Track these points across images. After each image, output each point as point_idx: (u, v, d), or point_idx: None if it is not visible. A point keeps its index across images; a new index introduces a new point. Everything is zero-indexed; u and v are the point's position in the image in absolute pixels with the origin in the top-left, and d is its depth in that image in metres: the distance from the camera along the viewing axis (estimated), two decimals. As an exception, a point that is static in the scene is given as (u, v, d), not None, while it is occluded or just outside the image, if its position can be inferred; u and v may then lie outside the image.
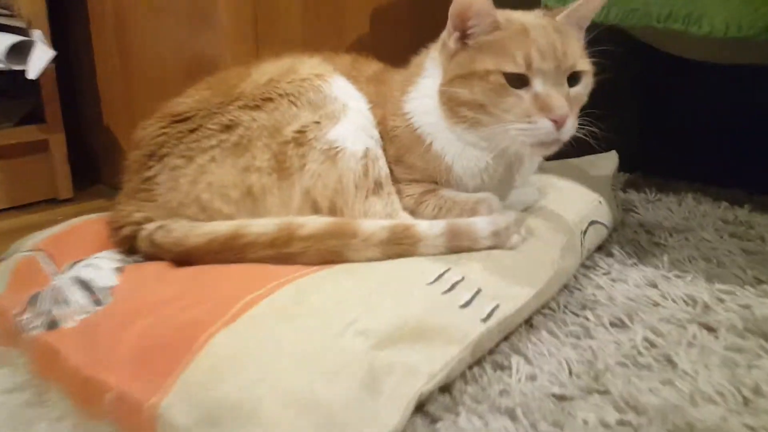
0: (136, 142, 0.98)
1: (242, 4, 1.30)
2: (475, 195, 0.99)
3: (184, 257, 0.87)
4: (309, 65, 1.01)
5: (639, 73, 1.79)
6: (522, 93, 0.89)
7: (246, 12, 1.32)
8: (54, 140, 1.56)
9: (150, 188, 0.93)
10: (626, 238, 1.20)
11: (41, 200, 1.58)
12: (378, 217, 0.93)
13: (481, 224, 0.91)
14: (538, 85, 0.89)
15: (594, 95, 0.96)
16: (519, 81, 0.89)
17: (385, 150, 1.01)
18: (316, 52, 1.15)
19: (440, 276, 0.81)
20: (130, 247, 0.92)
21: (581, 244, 1.02)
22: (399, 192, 1.01)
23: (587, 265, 1.08)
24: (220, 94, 0.97)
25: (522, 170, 1.05)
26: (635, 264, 1.09)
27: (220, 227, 0.86)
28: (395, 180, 1.01)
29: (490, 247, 0.91)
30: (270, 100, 0.95)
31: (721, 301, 0.95)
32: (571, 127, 0.88)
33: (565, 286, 0.99)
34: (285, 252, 0.84)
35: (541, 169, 1.23)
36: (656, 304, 0.94)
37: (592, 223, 1.07)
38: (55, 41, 1.51)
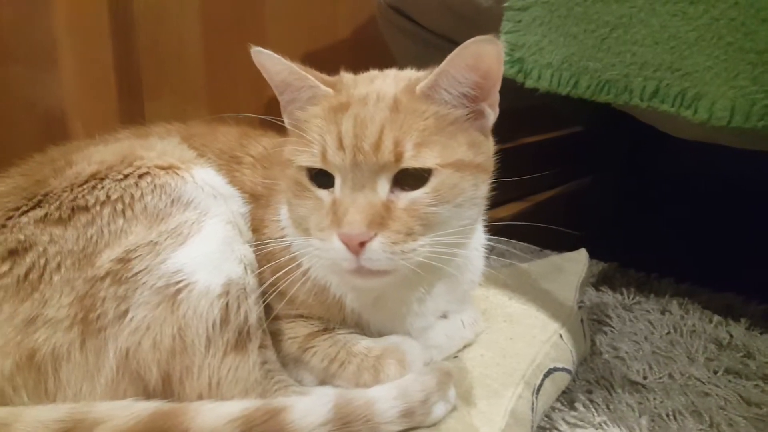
0: None
1: (95, 44, 1.01)
2: (380, 343, 0.71)
3: None
4: (157, 151, 0.72)
5: (620, 142, 1.55)
6: (324, 195, 0.63)
7: (102, 54, 1.02)
8: None
9: None
10: (595, 374, 0.92)
11: None
12: (238, 389, 0.64)
13: (385, 402, 0.63)
14: (337, 186, 0.62)
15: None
16: (326, 178, 0.63)
17: (261, 273, 0.72)
18: (194, 121, 0.87)
19: None
20: None
21: (532, 409, 0.74)
22: (279, 333, 0.73)
23: (540, 425, 0.80)
24: (19, 192, 0.67)
25: (451, 289, 0.76)
26: (603, 425, 0.80)
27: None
28: (274, 317, 0.72)
29: (400, 432, 0.63)
30: (84, 209, 0.65)
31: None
32: (380, 254, 0.59)
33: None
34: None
35: (488, 279, 0.95)
36: None
37: (549, 373, 0.79)
38: None
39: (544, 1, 0.90)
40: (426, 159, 0.60)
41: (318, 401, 0.62)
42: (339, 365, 0.70)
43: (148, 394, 0.62)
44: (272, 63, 0.65)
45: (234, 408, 0.59)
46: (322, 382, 0.71)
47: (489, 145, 0.68)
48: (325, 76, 0.68)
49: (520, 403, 0.72)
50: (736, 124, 0.80)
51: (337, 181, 0.62)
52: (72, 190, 0.66)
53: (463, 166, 0.62)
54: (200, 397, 0.63)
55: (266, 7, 1.34)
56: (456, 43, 1.28)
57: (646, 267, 1.29)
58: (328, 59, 1.42)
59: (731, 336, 1.04)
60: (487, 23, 1.06)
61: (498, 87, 0.65)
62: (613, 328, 1.07)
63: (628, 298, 1.17)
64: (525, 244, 1.45)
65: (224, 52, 1.25)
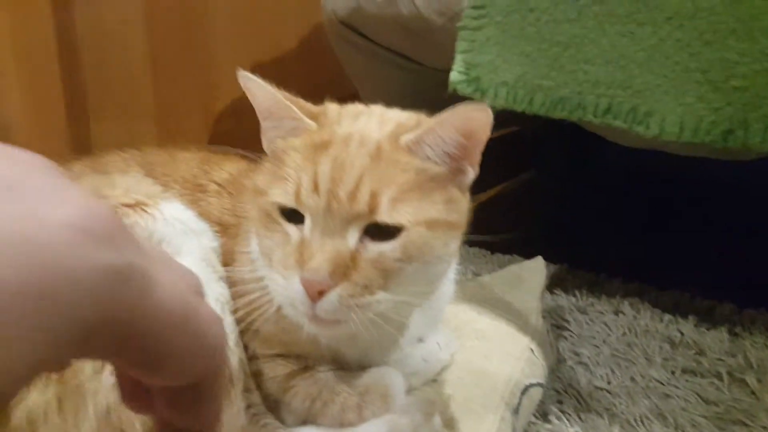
0: None
1: (41, 66, 0.97)
2: (363, 378, 0.71)
3: None
4: (123, 187, 0.69)
5: (565, 138, 1.60)
6: (293, 231, 0.61)
7: (49, 76, 0.99)
8: None
9: None
10: (562, 382, 0.95)
11: None
12: (223, 438, 0.62)
13: (376, 444, 0.63)
14: (307, 226, 0.60)
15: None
16: (297, 214, 0.60)
17: (235, 311, 0.70)
18: (149, 150, 0.84)
19: None
20: None
21: (513, 430, 0.75)
22: (259, 374, 0.71)
23: (519, 441, 0.82)
24: None
25: (424, 315, 0.76)
26: (577, 434, 0.83)
27: None
28: (251, 356, 0.71)
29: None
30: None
31: None
32: (335, 305, 0.57)
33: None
34: None
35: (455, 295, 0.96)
36: None
37: (525, 390, 0.81)
38: None
39: (497, 22, 0.91)
40: (400, 215, 0.58)
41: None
42: (322, 405, 0.69)
43: (133, 452, 0.60)
44: (258, 89, 0.63)
45: (225, 461, 0.58)
46: (304, 423, 0.70)
47: (465, 202, 0.66)
48: (310, 106, 0.66)
49: (502, 425, 0.73)
50: (686, 139, 0.84)
51: (307, 222, 0.59)
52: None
53: (437, 224, 0.61)
54: (187, 450, 0.61)
55: (212, 20, 1.30)
56: (408, 59, 1.28)
57: (594, 267, 1.34)
58: (274, 71, 1.40)
59: (682, 334, 1.09)
60: (440, 41, 1.07)
61: (481, 149, 0.63)
62: (572, 332, 1.10)
63: (581, 299, 1.21)
64: (476, 248, 1.48)
65: (172, 69, 1.21)
